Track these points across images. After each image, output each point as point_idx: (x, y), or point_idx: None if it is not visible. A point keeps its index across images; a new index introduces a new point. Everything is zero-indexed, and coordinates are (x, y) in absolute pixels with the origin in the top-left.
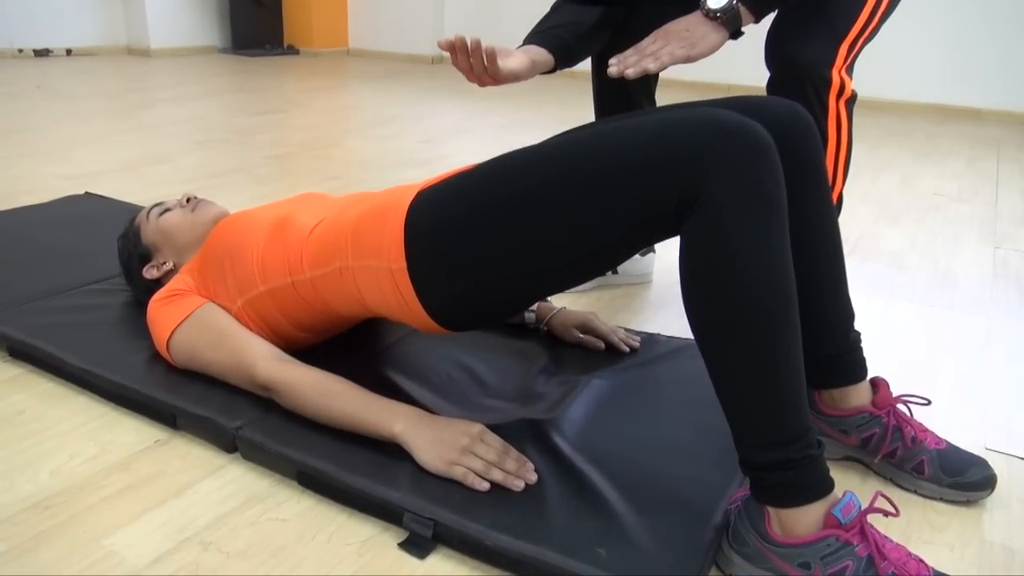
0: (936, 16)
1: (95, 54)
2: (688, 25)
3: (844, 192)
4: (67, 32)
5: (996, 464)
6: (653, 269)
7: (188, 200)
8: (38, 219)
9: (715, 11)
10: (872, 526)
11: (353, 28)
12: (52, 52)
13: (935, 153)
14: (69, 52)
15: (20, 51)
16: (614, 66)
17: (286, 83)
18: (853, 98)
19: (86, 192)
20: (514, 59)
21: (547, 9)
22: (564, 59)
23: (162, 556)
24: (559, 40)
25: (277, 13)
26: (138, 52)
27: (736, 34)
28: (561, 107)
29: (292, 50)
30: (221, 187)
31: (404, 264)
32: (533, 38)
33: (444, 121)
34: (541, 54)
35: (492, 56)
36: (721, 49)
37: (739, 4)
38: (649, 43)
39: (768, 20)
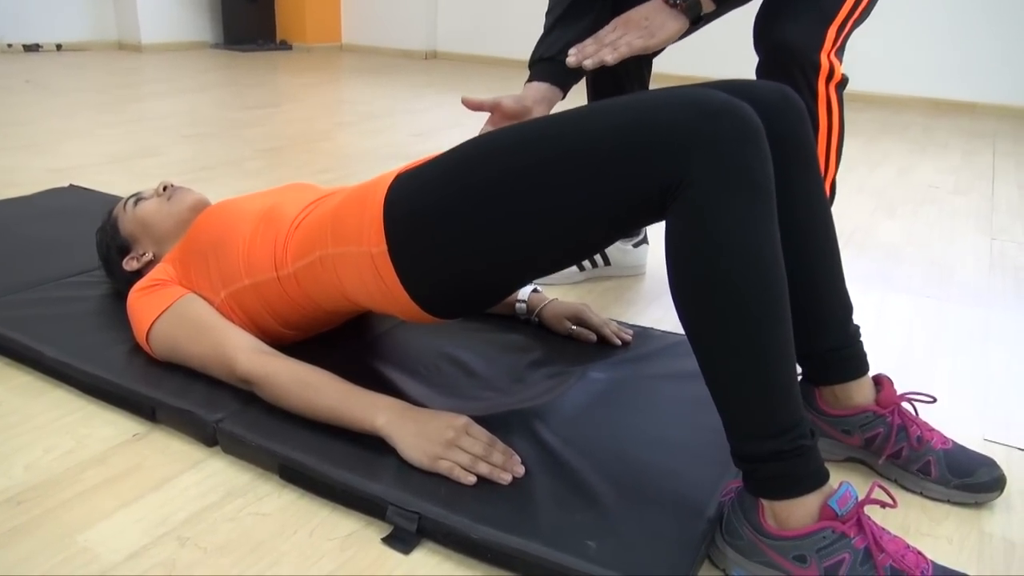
0: (932, 9)
1: (85, 49)
2: (647, 13)
3: (838, 182)
4: (57, 27)
5: (995, 455)
6: (646, 261)
7: (164, 188)
8: (20, 211)
9: None
10: (869, 518)
11: (346, 23)
12: (42, 47)
13: (931, 146)
14: (59, 47)
15: (9, 46)
16: (573, 56)
17: (278, 78)
18: (843, 82)
19: (70, 184)
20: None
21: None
22: (573, 81)
23: (138, 552)
24: (565, 69)
25: (269, 8)
26: (129, 47)
27: (696, 21)
28: None
29: (285, 45)
30: (210, 180)
31: (384, 248)
32: (539, 72)
33: (436, 116)
34: (554, 93)
35: None
36: (719, 45)
37: None
38: (608, 31)
39: (755, 4)
